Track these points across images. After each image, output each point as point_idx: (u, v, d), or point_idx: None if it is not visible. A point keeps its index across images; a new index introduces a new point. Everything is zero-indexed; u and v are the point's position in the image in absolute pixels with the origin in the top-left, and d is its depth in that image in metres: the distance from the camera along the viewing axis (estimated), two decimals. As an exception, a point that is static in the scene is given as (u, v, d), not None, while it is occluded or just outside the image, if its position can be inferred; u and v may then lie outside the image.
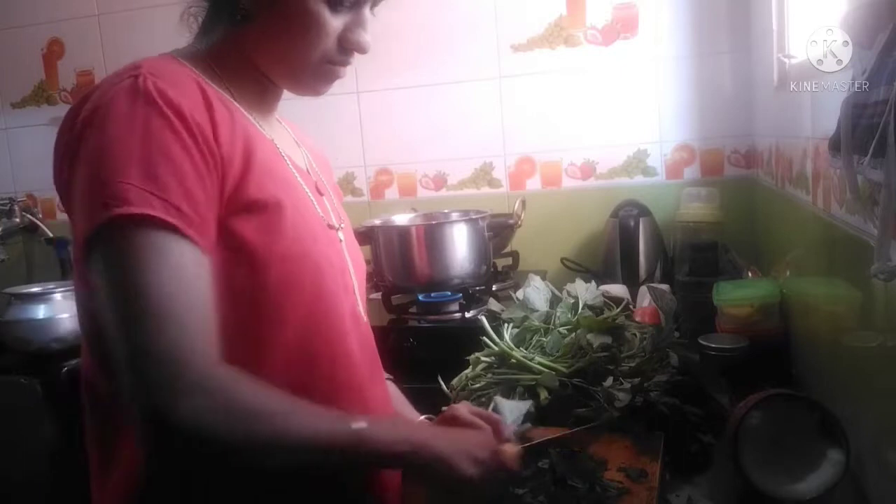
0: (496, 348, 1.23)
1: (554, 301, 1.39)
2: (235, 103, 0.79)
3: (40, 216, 2.47)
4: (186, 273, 0.65)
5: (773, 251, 1.66)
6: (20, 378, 1.73)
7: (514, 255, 1.99)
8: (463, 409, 0.91)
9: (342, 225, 0.90)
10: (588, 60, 2.03)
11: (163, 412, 0.61)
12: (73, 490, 0.95)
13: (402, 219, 1.81)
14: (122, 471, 0.74)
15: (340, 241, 0.88)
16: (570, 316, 1.31)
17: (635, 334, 1.25)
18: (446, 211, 1.88)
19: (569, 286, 1.43)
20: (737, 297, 1.35)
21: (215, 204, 0.70)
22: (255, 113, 0.83)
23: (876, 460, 0.89)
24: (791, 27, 1.42)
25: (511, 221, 1.83)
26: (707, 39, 1.95)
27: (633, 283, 1.77)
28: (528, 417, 1.06)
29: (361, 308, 0.89)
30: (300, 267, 0.76)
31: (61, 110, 0.64)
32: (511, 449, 0.82)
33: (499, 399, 1.10)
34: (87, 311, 0.76)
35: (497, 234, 1.77)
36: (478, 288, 1.72)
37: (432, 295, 1.71)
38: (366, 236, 1.67)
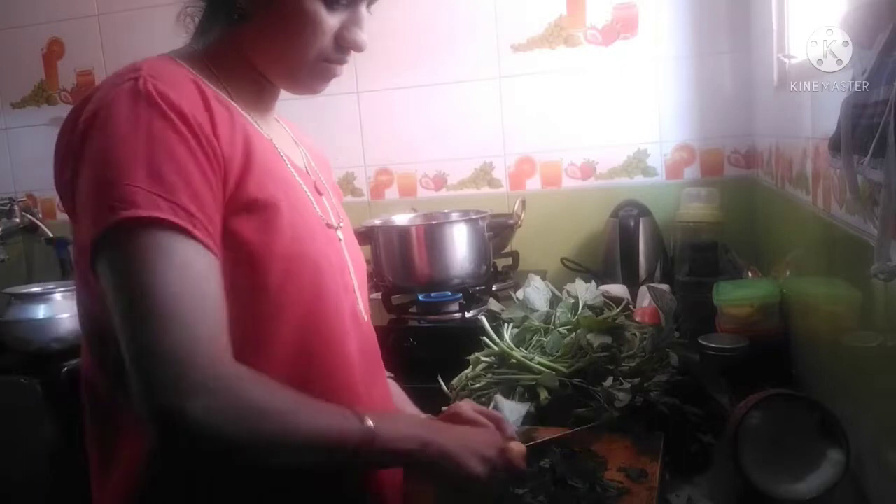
0: (496, 348, 1.23)
1: (554, 301, 1.39)
2: (233, 103, 0.79)
3: (40, 216, 2.47)
4: (193, 273, 0.65)
5: (773, 251, 1.66)
6: (20, 378, 1.73)
7: (514, 255, 1.99)
8: (466, 406, 0.91)
9: (341, 224, 0.90)
10: (588, 60, 2.03)
11: (169, 412, 0.61)
12: (73, 490, 0.95)
13: (402, 219, 1.81)
14: (123, 471, 0.74)
15: (340, 240, 0.88)
16: (570, 316, 1.31)
17: (635, 334, 1.25)
18: (446, 211, 1.88)
19: (569, 286, 1.43)
20: (737, 297, 1.35)
21: (220, 204, 0.70)
22: (253, 112, 0.83)
23: (876, 460, 0.89)
24: (791, 27, 1.42)
25: (511, 221, 1.83)
26: (707, 39, 1.95)
27: (633, 283, 1.77)
28: (527, 419, 1.06)
29: (362, 307, 0.89)
30: (299, 266, 0.76)
31: (61, 110, 0.64)
32: (517, 447, 0.82)
33: (499, 399, 1.10)
34: (87, 312, 0.76)
35: (497, 234, 1.77)
36: (478, 288, 1.72)
37: (432, 295, 1.71)
38: (366, 236, 1.67)
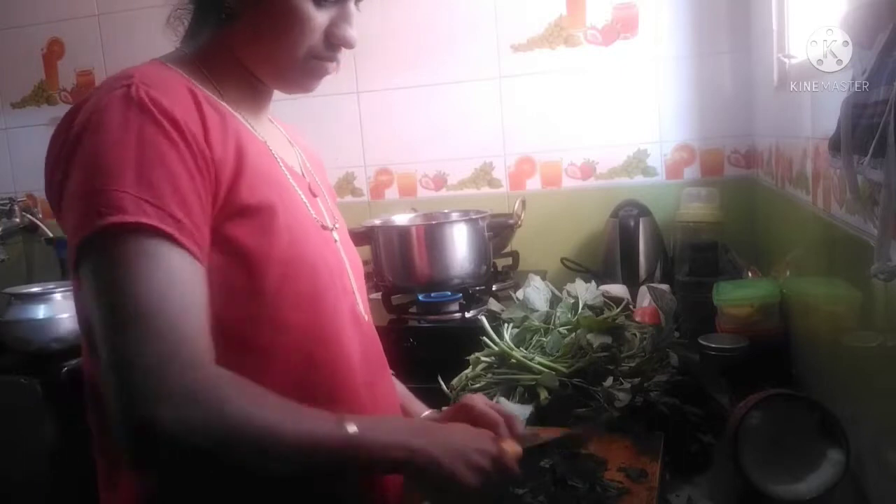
0: (496, 348, 1.23)
1: (554, 301, 1.39)
2: (226, 106, 0.79)
3: (40, 216, 2.47)
4: (176, 281, 0.64)
5: (773, 251, 1.66)
6: (20, 378, 1.73)
7: (514, 255, 1.99)
8: (479, 400, 0.88)
9: (336, 225, 0.90)
10: (588, 60, 2.03)
11: (142, 422, 0.60)
12: (73, 490, 0.95)
13: (402, 219, 1.81)
14: (129, 477, 0.74)
15: (335, 241, 0.88)
16: (570, 316, 1.31)
17: (635, 334, 1.25)
18: (446, 211, 1.88)
19: (569, 286, 1.43)
20: (737, 297, 1.35)
21: (210, 211, 0.70)
22: (246, 114, 0.82)
23: (876, 460, 0.89)
24: (791, 27, 1.42)
25: (511, 221, 1.83)
26: (707, 39, 1.95)
27: (633, 283, 1.77)
28: (528, 421, 1.06)
29: (362, 307, 0.89)
30: (296, 269, 0.76)
31: (61, 110, 0.64)
32: (512, 448, 0.81)
33: (503, 400, 1.10)
34: (85, 313, 0.76)
35: (497, 234, 1.77)
36: (478, 288, 1.72)
37: (432, 295, 1.71)
38: (365, 236, 1.67)
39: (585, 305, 1.35)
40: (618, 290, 1.63)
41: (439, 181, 2.19)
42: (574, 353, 1.18)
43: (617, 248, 1.85)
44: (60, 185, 0.69)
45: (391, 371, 0.98)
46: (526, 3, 2.05)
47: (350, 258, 0.90)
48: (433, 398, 1.11)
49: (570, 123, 2.07)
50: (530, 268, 1.95)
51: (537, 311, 1.35)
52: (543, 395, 1.11)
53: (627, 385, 1.08)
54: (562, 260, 2.01)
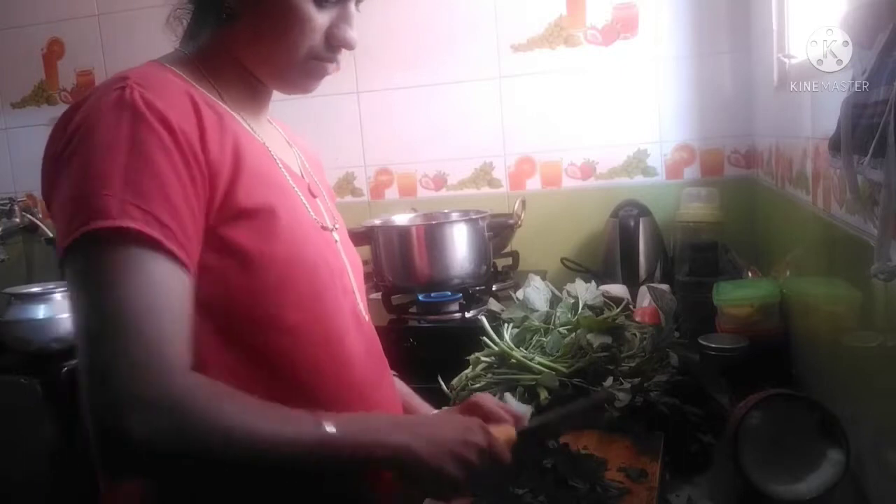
0: (496, 348, 1.23)
1: (554, 301, 1.39)
2: (225, 107, 0.79)
3: (40, 216, 2.47)
4: (156, 287, 0.64)
5: (773, 251, 1.66)
6: (20, 378, 1.73)
7: (514, 255, 1.99)
8: (488, 398, 0.87)
9: (336, 226, 0.90)
10: (588, 60, 2.03)
11: (114, 428, 0.59)
12: (73, 490, 0.95)
13: (402, 219, 1.81)
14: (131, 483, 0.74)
15: (336, 241, 0.88)
16: (570, 316, 1.31)
17: (635, 334, 1.25)
18: (446, 211, 1.88)
19: (569, 286, 1.43)
20: (737, 297, 1.35)
21: (201, 217, 0.69)
22: (245, 115, 0.82)
23: (876, 460, 0.89)
24: (791, 27, 1.42)
25: (511, 221, 1.83)
26: (707, 39, 1.95)
27: (633, 283, 1.77)
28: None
29: (362, 308, 0.89)
30: (296, 271, 0.76)
31: (61, 110, 0.64)
32: (506, 433, 0.77)
33: (508, 396, 1.10)
34: None
35: (497, 234, 1.77)
36: (478, 288, 1.72)
37: (432, 295, 1.71)
38: (365, 236, 1.67)
39: (585, 305, 1.35)
40: (618, 290, 1.63)
41: (439, 181, 2.19)
42: (574, 353, 1.18)
43: (617, 248, 1.85)
44: (53, 190, 0.69)
45: (393, 372, 0.98)
46: (526, 3, 2.05)
47: (350, 259, 0.90)
48: (433, 398, 1.11)
49: (570, 123, 2.06)
50: (530, 268, 1.95)
51: (537, 311, 1.35)
52: (543, 395, 1.11)
53: (627, 385, 1.08)
54: (562, 260, 2.01)
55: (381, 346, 0.92)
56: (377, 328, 0.94)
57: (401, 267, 1.67)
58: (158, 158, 0.66)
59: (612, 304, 1.37)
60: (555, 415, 0.92)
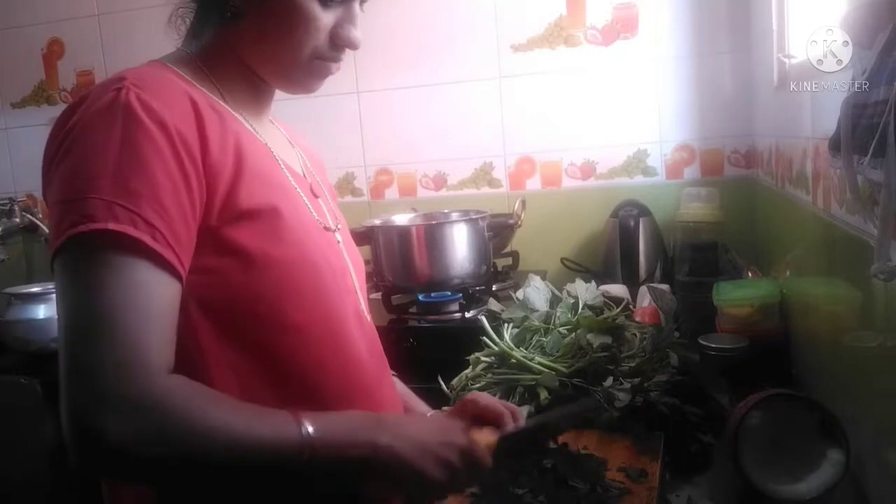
0: (496, 348, 1.23)
1: (554, 301, 1.39)
2: (227, 107, 0.79)
3: (40, 216, 2.46)
4: (141, 288, 0.63)
5: (773, 251, 1.66)
6: (20, 378, 1.73)
7: (514, 255, 1.99)
8: (483, 394, 0.87)
9: (339, 226, 0.90)
10: (588, 60, 2.03)
11: (90, 429, 0.59)
12: (73, 490, 0.95)
13: (402, 219, 1.81)
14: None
15: (338, 242, 0.88)
16: (570, 316, 1.31)
17: (635, 334, 1.25)
18: (446, 211, 1.88)
19: (569, 286, 1.43)
20: (737, 297, 1.35)
21: (196, 217, 0.69)
22: (247, 115, 0.82)
23: (876, 460, 0.89)
24: (791, 27, 1.42)
25: (511, 221, 1.83)
26: (707, 39, 1.95)
27: (633, 283, 1.77)
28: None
29: (364, 308, 0.89)
30: (299, 271, 0.76)
31: (61, 110, 0.64)
32: (486, 438, 0.77)
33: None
34: None
35: (497, 234, 1.77)
36: (478, 288, 1.72)
37: (432, 295, 1.71)
38: (366, 236, 1.67)
39: (585, 305, 1.35)
40: (618, 290, 1.63)
41: (439, 181, 2.19)
42: (574, 353, 1.18)
43: (617, 248, 1.85)
44: (49, 189, 0.69)
45: (393, 372, 0.98)
46: (526, 3, 2.05)
47: (352, 259, 0.90)
48: (433, 398, 1.11)
49: (570, 123, 2.06)
50: (530, 268, 1.95)
51: (537, 311, 1.35)
52: (543, 395, 1.11)
53: (627, 385, 1.08)
54: (562, 260, 2.01)
55: (381, 346, 0.92)
56: (377, 328, 0.93)
57: (401, 267, 1.67)
58: (150, 159, 0.66)
59: (612, 304, 1.38)
60: (534, 423, 0.91)
